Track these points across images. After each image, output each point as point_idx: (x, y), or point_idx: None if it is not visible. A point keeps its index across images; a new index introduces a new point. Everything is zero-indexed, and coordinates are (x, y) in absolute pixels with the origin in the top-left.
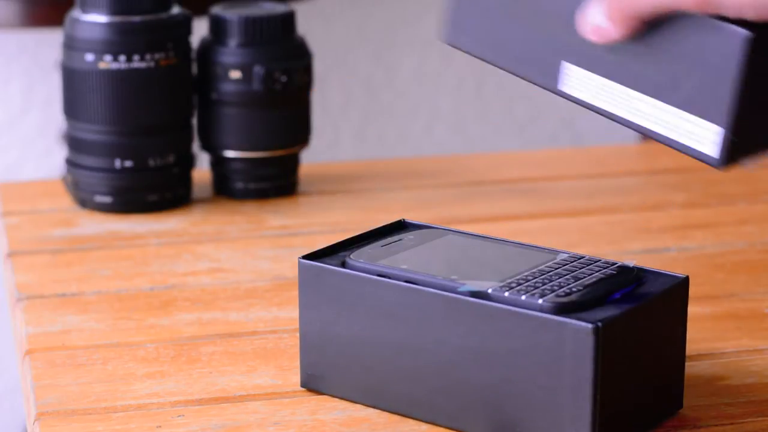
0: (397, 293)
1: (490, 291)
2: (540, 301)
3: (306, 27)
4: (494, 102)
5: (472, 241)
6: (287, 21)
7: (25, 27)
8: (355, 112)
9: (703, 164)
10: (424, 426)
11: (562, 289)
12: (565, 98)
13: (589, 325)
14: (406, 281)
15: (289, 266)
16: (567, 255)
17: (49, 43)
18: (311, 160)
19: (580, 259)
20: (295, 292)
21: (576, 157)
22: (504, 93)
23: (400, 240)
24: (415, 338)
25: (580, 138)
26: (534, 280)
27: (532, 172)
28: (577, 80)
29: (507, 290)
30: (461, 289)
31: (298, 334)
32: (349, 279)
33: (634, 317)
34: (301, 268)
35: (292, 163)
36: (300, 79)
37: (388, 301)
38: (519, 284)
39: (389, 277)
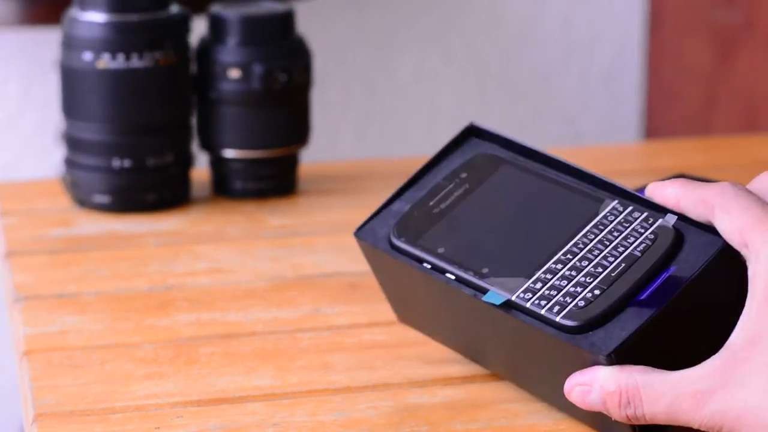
0: (433, 283)
1: (513, 298)
2: (557, 318)
3: (306, 27)
4: (494, 102)
5: (524, 183)
6: (287, 20)
7: (23, 26)
8: (355, 112)
9: (703, 164)
10: (424, 427)
11: (584, 293)
12: None
13: (602, 356)
14: (438, 270)
15: (288, 266)
16: (610, 207)
17: (47, 41)
18: (311, 159)
19: (621, 215)
20: (294, 293)
21: (576, 157)
22: (504, 93)
23: (451, 190)
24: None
25: (581, 138)
26: (559, 277)
27: None
28: None
29: (529, 298)
30: (485, 298)
31: (297, 335)
32: (395, 262)
33: (658, 324)
34: (358, 243)
35: (292, 162)
36: (299, 79)
37: (429, 289)
38: (544, 283)
39: (424, 262)
